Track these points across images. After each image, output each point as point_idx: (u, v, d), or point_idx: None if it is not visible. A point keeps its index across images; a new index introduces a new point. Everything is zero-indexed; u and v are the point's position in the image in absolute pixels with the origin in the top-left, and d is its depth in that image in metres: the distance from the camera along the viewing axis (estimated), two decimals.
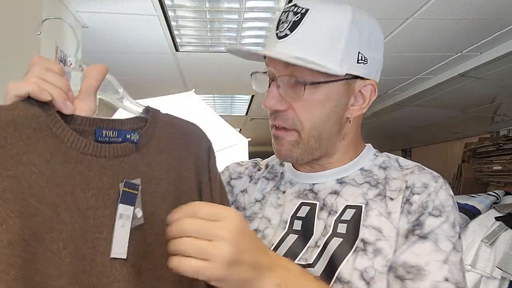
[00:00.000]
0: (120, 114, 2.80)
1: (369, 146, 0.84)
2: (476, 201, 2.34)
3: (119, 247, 0.56)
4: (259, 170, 0.89)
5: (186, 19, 2.19)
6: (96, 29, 2.23)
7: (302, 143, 0.75)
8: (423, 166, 0.77)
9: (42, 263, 0.50)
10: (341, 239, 0.71)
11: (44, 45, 1.68)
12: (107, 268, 0.55)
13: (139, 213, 0.59)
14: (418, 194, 0.71)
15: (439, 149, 5.36)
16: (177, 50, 2.61)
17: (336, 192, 0.77)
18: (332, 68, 0.69)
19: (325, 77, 0.71)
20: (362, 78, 0.74)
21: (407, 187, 0.73)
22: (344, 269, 0.68)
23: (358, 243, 0.70)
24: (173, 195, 0.62)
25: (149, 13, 2.04)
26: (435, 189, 0.71)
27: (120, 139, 0.59)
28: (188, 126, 0.70)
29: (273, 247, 0.75)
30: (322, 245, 0.72)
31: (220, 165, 0.95)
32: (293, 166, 0.84)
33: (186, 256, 0.52)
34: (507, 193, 2.45)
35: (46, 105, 0.55)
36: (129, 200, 0.58)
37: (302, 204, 0.78)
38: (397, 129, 5.20)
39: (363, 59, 0.73)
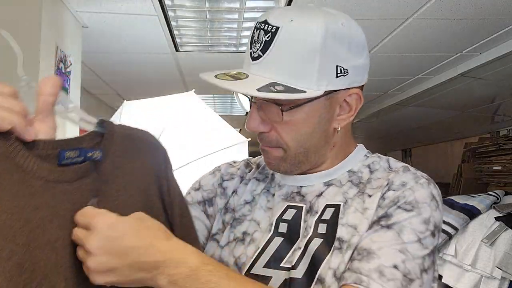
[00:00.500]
0: (120, 113, 2.78)
1: (360, 147, 0.82)
2: (476, 201, 2.34)
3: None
4: (250, 170, 0.88)
5: (186, 19, 2.19)
6: (96, 29, 2.23)
7: (289, 158, 0.75)
8: (410, 167, 0.75)
9: None
10: (321, 240, 0.70)
11: (44, 45, 1.68)
12: None
13: None
14: (394, 190, 0.70)
15: (439, 149, 5.37)
16: (177, 50, 2.61)
17: (320, 194, 0.77)
18: (308, 90, 0.68)
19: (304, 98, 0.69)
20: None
21: (386, 185, 0.72)
22: (323, 269, 0.68)
23: (335, 242, 0.69)
24: (132, 210, 0.60)
25: (149, 13, 2.04)
26: (412, 187, 0.69)
27: (81, 159, 0.57)
28: (143, 136, 0.67)
29: (259, 250, 0.74)
30: (303, 246, 0.71)
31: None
32: None
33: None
34: (507, 193, 2.45)
35: (5, 133, 0.51)
36: None
37: (288, 207, 0.77)
38: (397, 129, 5.20)
39: (342, 71, 0.70)
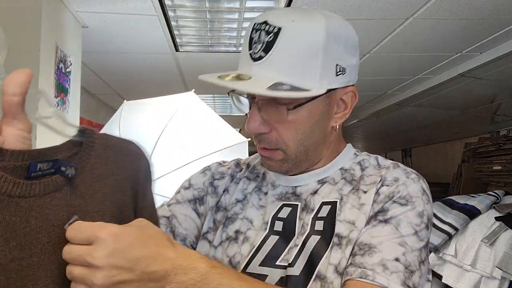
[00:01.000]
0: (120, 113, 2.77)
1: (349, 145, 0.84)
2: (476, 201, 2.35)
3: None
4: (241, 170, 0.89)
5: (186, 19, 2.19)
6: (96, 29, 2.23)
7: (290, 159, 0.76)
8: (400, 164, 0.78)
9: None
10: (319, 237, 0.71)
11: (44, 45, 1.68)
12: None
13: None
14: (387, 186, 0.72)
15: (439, 149, 5.37)
16: (177, 50, 2.61)
17: (315, 192, 0.78)
18: (312, 88, 0.69)
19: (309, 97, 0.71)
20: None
21: (380, 181, 0.74)
22: (322, 266, 0.68)
23: (334, 238, 0.70)
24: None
25: (149, 13, 2.04)
26: (404, 182, 0.72)
27: (53, 170, 0.52)
28: (127, 146, 0.63)
29: (254, 248, 0.74)
30: (300, 244, 0.72)
31: None
32: None
33: (77, 282, 0.50)
34: (507, 193, 2.46)
35: None
36: None
37: (283, 205, 0.78)
38: (397, 129, 5.20)
39: (341, 70, 0.72)
